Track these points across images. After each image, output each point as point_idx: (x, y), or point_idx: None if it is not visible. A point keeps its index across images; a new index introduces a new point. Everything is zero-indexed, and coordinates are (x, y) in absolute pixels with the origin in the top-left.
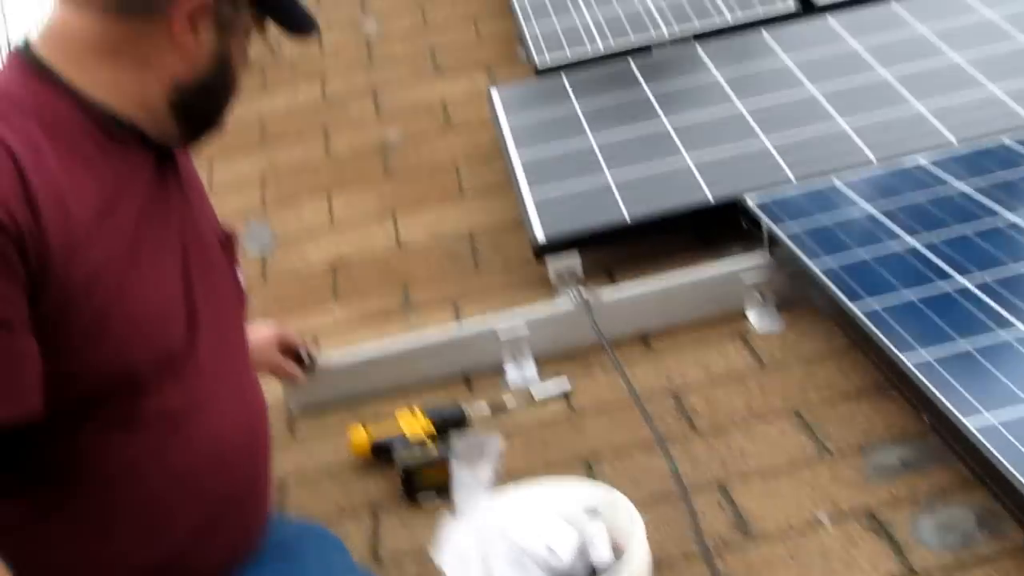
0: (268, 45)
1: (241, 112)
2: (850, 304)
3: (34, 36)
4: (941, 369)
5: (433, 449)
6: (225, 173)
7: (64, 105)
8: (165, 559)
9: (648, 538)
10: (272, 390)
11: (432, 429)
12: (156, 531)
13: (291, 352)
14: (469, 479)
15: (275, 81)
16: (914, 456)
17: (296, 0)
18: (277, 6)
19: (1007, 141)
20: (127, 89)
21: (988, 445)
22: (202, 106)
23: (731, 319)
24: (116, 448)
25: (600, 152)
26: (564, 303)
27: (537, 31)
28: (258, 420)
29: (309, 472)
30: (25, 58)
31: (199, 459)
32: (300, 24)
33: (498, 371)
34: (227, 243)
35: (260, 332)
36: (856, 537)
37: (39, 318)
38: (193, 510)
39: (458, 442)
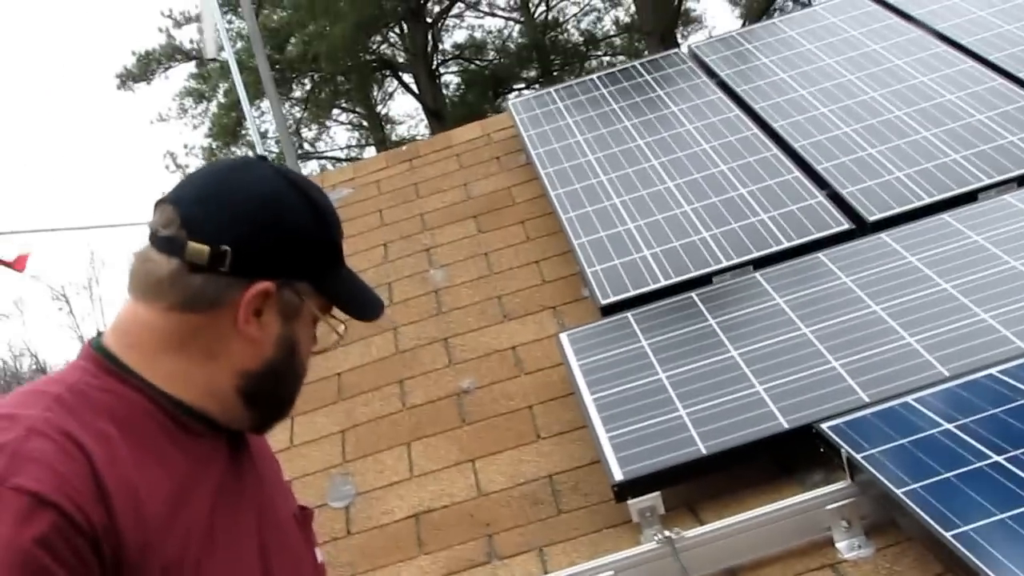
0: (334, 329)
1: (317, 369)
2: (939, 529)
3: (106, 330)
4: None
5: None
6: (305, 429)
7: (135, 398)
8: None
9: None
10: None
11: None
12: None
13: None
14: None
15: (349, 336)
16: None
17: (360, 284)
18: (341, 294)
19: None
20: (196, 380)
21: None
22: (271, 392)
23: (820, 548)
24: None
25: (671, 387)
26: (648, 545)
27: (599, 270)
28: None
29: None
30: (97, 351)
31: None
32: (365, 307)
33: None
34: (303, 520)
35: None
36: None
37: None
38: None
39: None
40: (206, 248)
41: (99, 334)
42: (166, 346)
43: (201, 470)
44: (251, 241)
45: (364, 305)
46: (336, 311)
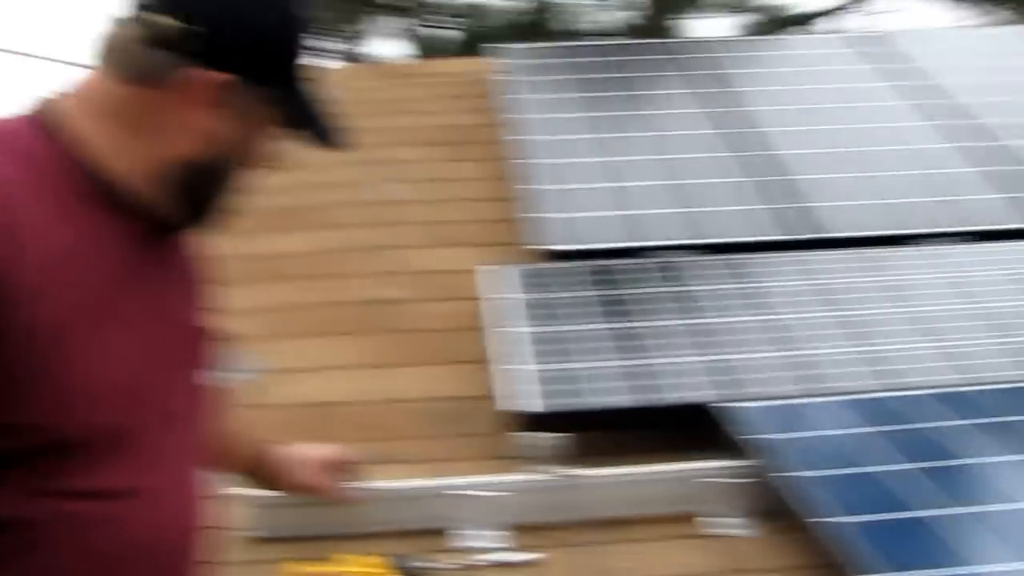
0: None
1: (257, 246)
2: (822, 518)
3: (69, 90)
4: None
5: None
6: (231, 299)
7: (58, 154)
8: None
9: None
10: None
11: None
12: None
13: (339, 472)
14: None
15: (299, 224)
16: None
17: (324, 112)
18: (301, 112)
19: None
20: (134, 156)
21: None
22: (204, 189)
23: (695, 519)
24: (33, 515)
25: (599, 339)
26: (542, 476)
27: (553, 217)
28: (194, 524)
29: None
30: (46, 108)
31: (118, 548)
32: (323, 132)
33: (467, 533)
34: (215, 341)
35: (302, 449)
36: None
37: None
38: None
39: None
40: (178, 24)
41: (58, 93)
42: (114, 116)
43: (107, 243)
44: (225, 30)
45: (322, 129)
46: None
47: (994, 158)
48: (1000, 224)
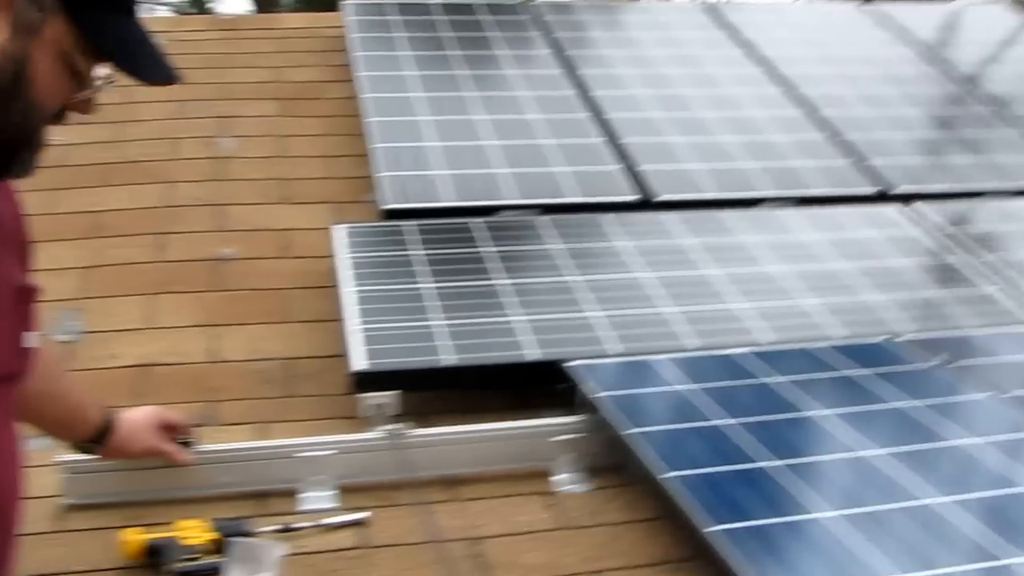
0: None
1: (76, 202)
2: (659, 472)
3: None
4: (746, 539)
5: (209, 559)
6: (49, 257)
7: None
8: None
9: None
10: (46, 481)
11: (213, 539)
12: None
13: (171, 434)
14: None
15: (119, 177)
16: None
17: (149, 44)
18: (110, 38)
19: (807, 346)
20: None
21: None
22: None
23: (539, 476)
24: None
25: (433, 297)
26: (373, 434)
27: (389, 176)
28: (17, 489)
29: (74, 570)
30: None
31: None
32: (142, 64)
33: (295, 494)
34: (22, 296)
35: (139, 412)
36: None
37: None
38: None
39: (235, 546)
40: None
41: None
42: None
43: None
44: None
45: (140, 61)
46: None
47: (812, 126)
48: (817, 189)
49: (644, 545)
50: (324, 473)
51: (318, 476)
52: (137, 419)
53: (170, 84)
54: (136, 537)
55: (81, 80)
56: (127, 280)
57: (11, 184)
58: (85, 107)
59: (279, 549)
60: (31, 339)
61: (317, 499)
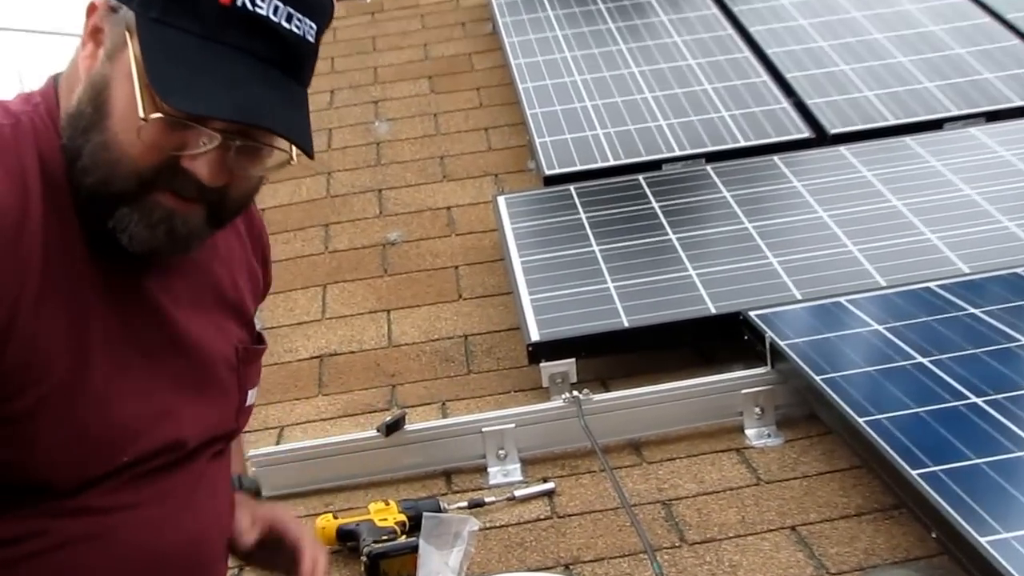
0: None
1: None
2: (857, 418)
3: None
4: (953, 484)
5: (402, 539)
6: None
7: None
8: None
9: None
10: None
11: (403, 520)
12: None
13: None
14: (436, 563)
15: (280, 174)
16: None
17: (201, 59)
18: (154, 48)
19: (1020, 271)
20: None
21: (1003, 562)
22: (77, 148)
23: (728, 432)
24: (25, 530)
25: (603, 261)
26: (554, 403)
27: (548, 142)
28: (206, 542)
29: None
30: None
31: (112, 562)
32: (176, 85)
33: (481, 470)
34: (245, 356)
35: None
36: None
37: None
38: None
39: (430, 521)
40: None
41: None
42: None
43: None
44: None
45: (177, 81)
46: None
47: (1000, 33)
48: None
49: (844, 496)
50: (509, 447)
51: (503, 450)
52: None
53: (185, 112)
54: (328, 523)
55: (179, 128)
56: (299, 273)
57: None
58: (214, 172)
59: (474, 523)
60: (252, 396)
61: (503, 473)
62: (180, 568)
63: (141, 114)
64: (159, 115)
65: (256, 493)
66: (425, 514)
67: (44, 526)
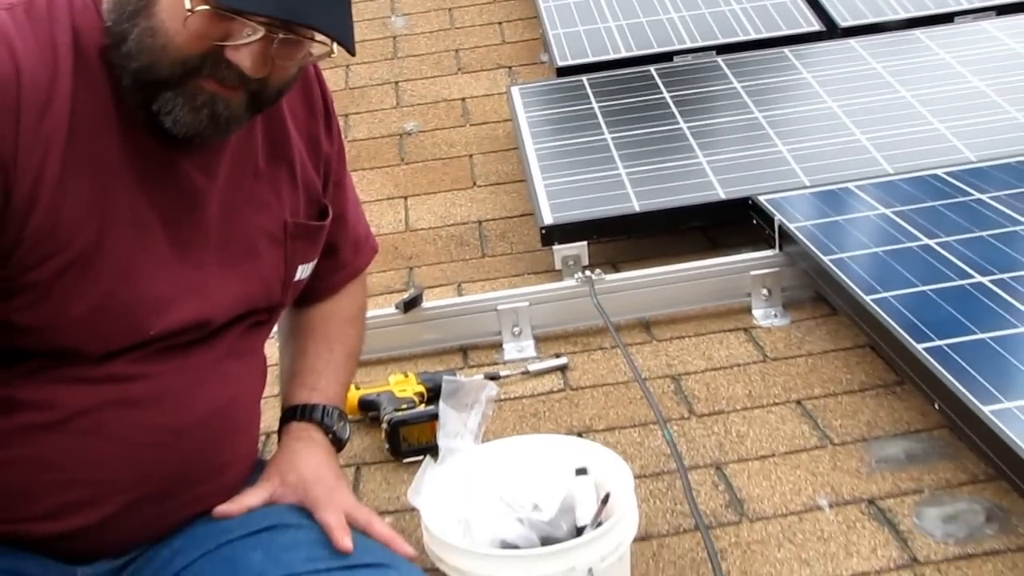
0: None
1: None
2: (864, 296)
3: None
4: (957, 357)
5: (420, 407)
6: None
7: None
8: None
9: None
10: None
11: (423, 392)
12: (96, 489)
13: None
14: (456, 424)
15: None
16: (920, 451)
17: None
18: None
19: None
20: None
21: (1006, 430)
22: (121, 36)
23: (736, 313)
24: (58, 398)
25: (615, 148)
26: (567, 282)
27: (561, 33)
28: (234, 410)
29: None
30: None
31: (144, 431)
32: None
33: (496, 346)
34: (295, 232)
35: (320, 472)
36: (856, 523)
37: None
38: (130, 482)
39: (449, 385)
40: None
41: None
42: None
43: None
44: None
45: None
46: None
47: None
48: None
49: (848, 373)
50: (523, 324)
51: (517, 327)
52: (308, 473)
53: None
54: (351, 394)
55: (225, 19)
56: None
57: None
58: (256, 64)
59: (492, 388)
60: (303, 271)
61: (518, 349)
62: (206, 435)
63: (188, 5)
64: (205, 6)
65: (338, 443)
66: (445, 378)
67: (71, 392)
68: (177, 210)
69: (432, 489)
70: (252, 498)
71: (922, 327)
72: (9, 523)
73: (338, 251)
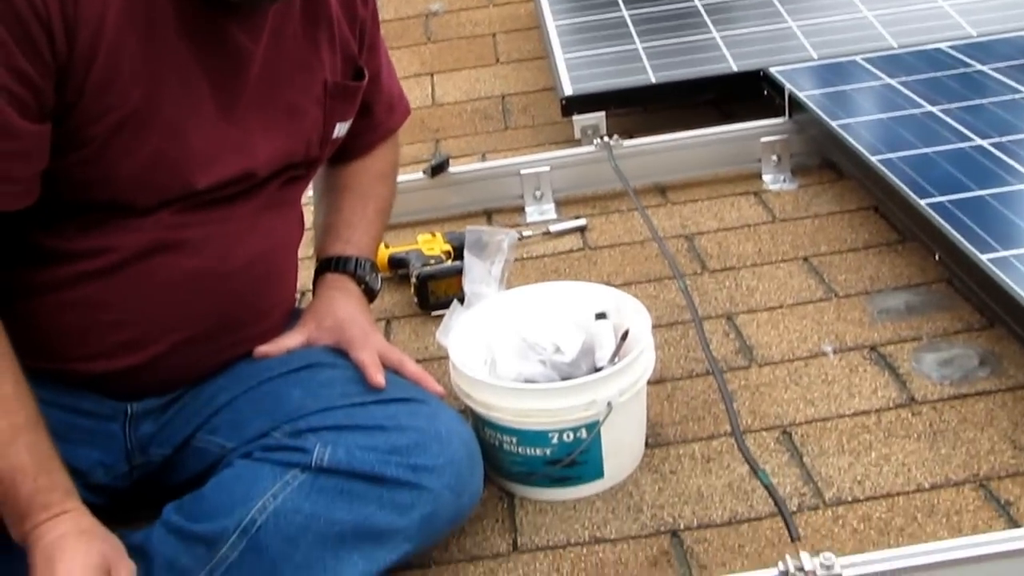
0: None
1: None
2: (870, 156)
3: None
4: (957, 211)
5: (447, 263)
6: None
7: None
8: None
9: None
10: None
11: (449, 250)
12: (146, 330)
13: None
14: (480, 271)
15: None
16: (919, 302)
17: None
18: None
19: None
20: None
21: (1003, 276)
22: None
23: (747, 178)
24: (113, 243)
25: (631, 23)
26: (586, 147)
27: None
28: (273, 256)
29: None
30: None
31: (189, 276)
32: None
33: (519, 209)
34: (334, 91)
35: (358, 319)
36: (859, 367)
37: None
38: (177, 323)
39: (472, 234)
40: None
41: None
42: None
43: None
44: None
45: None
46: None
47: None
48: None
49: (853, 232)
50: (544, 188)
51: (539, 191)
52: (344, 316)
53: None
54: (381, 252)
55: None
56: None
57: None
58: None
59: (513, 236)
60: (341, 129)
61: (539, 212)
62: (248, 281)
63: None
64: None
65: (370, 293)
66: (468, 228)
67: (122, 240)
68: (224, 71)
69: (459, 330)
70: (291, 340)
71: (925, 184)
72: (67, 362)
73: (372, 111)
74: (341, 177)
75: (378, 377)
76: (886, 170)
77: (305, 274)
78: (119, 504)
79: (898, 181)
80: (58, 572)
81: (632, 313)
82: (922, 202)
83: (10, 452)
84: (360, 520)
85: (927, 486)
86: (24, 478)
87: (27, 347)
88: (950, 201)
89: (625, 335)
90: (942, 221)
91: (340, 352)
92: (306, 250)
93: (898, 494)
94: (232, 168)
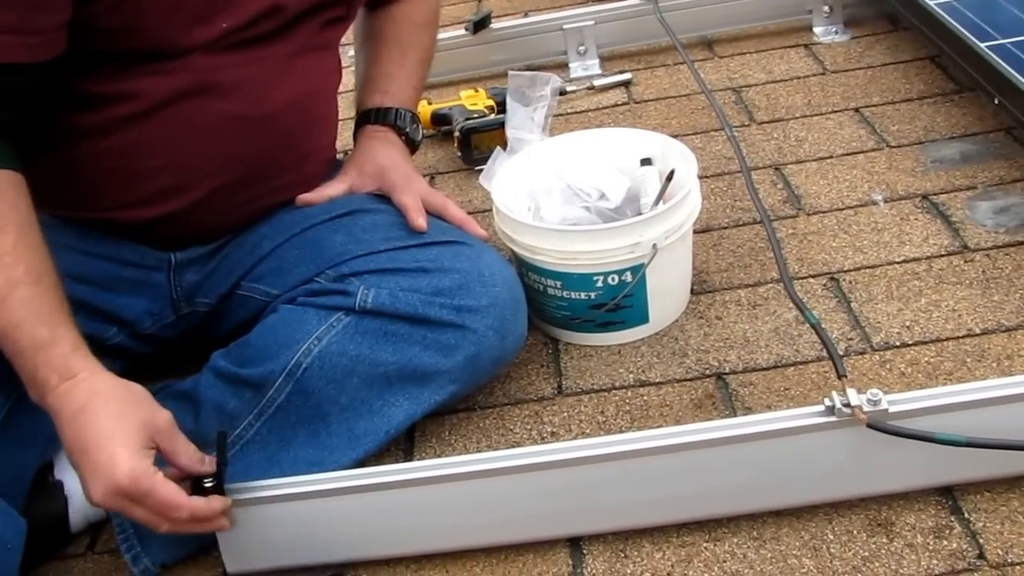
0: None
1: None
2: (929, 0)
3: None
4: (1020, 53)
5: (492, 116)
6: None
7: None
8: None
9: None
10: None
11: (492, 105)
12: (184, 176)
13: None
14: (522, 117)
15: None
16: (975, 152)
17: None
18: None
19: None
20: None
21: None
22: None
23: (797, 31)
24: (139, 88)
25: None
26: (632, 1)
27: None
28: (310, 101)
29: None
30: None
31: (224, 119)
32: None
33: (563, 66)
34: None
35: (401, 168)
36: (910, 216)
37: None
38: (215, 169)
39: (514, 79)
40: None
41: None
42: None
43: None
44: None
45: None
46: None
47: None
48: None
49: (907, 83)
50: (588, 43)
51: (583, 46)
52: (386, 162)
53: None
54: (424, 108)
55: None
56: None
57: None
58: None
59: (556, 80)
60: None
61: (583, 67)
62: (285, 126)
63: None
64: None
65: (411, 144)
66: (511, 73)
67: (153, 84)
68: None
69: (502, 175)
70: (332, 188)
71: (986, 27)
72: (108, 210)
73: None
74: (380, 26)
75: (420, 220)
76: (945, 14)
77: (346, 134)
78: (168, 354)
79: (957, 25)
80: (100, 465)
81: (678, 157)
82: (983, 45)
83: (3, 308)
84: (404, 361)
85: (978, 331)
86: (20, 333)
87: (68, 197)
88: (1012, 43)
89: (670, 176)
90: (1003, 63)
91: (382, 198)
92: (347, 111)
93: (948, 339)
94: (258, 3)
